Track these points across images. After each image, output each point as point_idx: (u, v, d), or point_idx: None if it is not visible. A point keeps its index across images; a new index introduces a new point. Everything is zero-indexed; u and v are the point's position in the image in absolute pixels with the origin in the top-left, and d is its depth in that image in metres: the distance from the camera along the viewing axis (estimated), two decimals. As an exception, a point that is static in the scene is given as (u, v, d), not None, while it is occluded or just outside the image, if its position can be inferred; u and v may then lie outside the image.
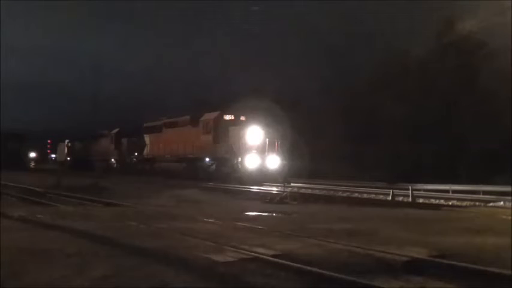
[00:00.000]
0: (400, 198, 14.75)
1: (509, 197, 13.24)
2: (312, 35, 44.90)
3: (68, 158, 43.56)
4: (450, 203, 13.54)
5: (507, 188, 15.02)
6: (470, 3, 24.03)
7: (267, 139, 21.00)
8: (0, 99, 54.26)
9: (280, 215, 10.16)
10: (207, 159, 23.21)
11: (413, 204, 13.25)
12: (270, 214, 10.36)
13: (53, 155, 52.55)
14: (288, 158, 21.57)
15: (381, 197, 15.39)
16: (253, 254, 5.21)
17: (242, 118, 22.36)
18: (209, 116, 23.17)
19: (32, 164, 44.53)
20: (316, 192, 17.57)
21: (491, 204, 13.12)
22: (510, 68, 21.62)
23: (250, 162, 20.74)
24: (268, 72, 45.93)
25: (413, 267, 4.83)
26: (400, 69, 28.27)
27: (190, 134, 24.10)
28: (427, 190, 17.28)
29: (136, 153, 30.56)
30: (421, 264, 4.95)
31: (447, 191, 17.04)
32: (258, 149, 20.91)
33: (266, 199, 13.78)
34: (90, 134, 38.27)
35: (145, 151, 29.24)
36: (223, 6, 64.65)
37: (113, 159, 34.09)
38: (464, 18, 25.05)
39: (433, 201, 14.38)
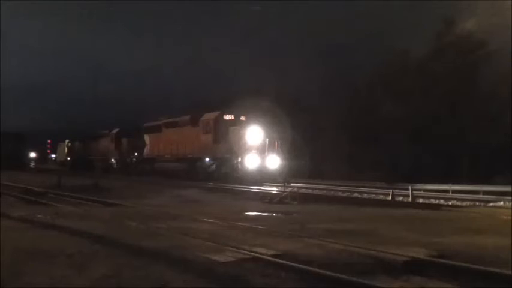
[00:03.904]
0: (400, 198, 14.75)
1: (509, 197, 13.24)
2: (311, 34, 44.93)
3: (68, 158, 43.83)
4: (450, 203, 13.53)
5: (507, 188, 15.03)
6: (470, 3, 24.05)
7: (267, 139, 20.97)
8: (0, 99, 54.31)
9: (280, 215, 10.15)
10: (207, 159, 23.18)
11: (414, 204, 13.23)
12: (270, 214, 10.35)
13: (53, 155, 52.67)
14: (288, 158, 21.55)
15: (381, 197, 15.39)
16: (253, 254, 5.20)
17: (242, 118, 22.30)
18: (209, 116, 23.14)
19: (32, 164, 44.49)
20: (316, 192, 17.56)
21: (491, 204, 13.11)
22: (510, 67, 21.62)
23: (250, 162, 20.71)
24: (268, 71, 45.94)
25: (413, 267, 4.83)
26: (400, 69, 28.26)
27: (190, 134, 24.07)
28: (427, 190, 17.27)
29: (136, 153, 30.54)
30: (421, 264, 4.95)
31: (447, 191, 17.04)
32: (258, 149, 20.88)
33: (266, 199, 13.73)
34: (90, 134, 38.28)
35: (145, 151, 29.20)
36: (223, 6, 64.69)
37: (113, 159, 34.09)
38: (464, 18, 25.09)
39: (433, 201, 14.38)
